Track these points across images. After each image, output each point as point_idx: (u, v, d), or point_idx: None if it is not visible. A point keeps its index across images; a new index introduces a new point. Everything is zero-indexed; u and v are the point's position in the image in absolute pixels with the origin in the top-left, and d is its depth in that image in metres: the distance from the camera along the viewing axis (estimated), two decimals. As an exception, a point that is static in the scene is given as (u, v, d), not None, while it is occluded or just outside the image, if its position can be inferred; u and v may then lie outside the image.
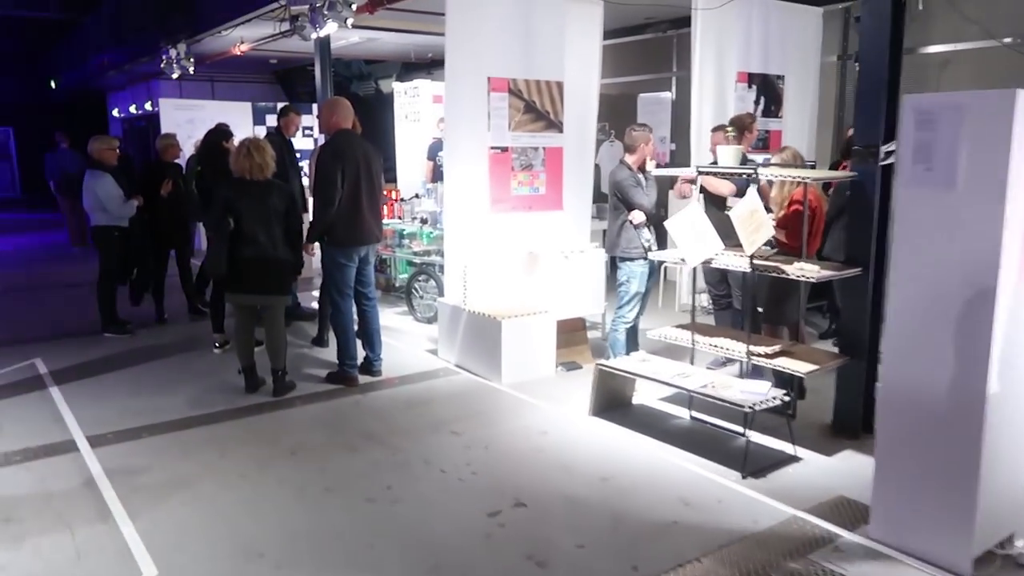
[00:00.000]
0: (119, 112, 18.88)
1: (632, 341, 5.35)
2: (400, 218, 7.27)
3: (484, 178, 6.07)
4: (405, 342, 6.53)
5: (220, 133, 6.48)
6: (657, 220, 5.19)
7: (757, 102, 7.61)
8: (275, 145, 6.54)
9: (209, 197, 5.50)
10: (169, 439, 4.48)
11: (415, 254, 7.08)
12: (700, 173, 4.66)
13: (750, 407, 3.92)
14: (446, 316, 5.92)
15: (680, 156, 9.91)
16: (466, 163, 5.96)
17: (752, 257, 4.13)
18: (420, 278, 6.93)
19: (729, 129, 5.29)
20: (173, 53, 10.76)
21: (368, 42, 11.06)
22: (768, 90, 7.66)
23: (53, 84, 20.98)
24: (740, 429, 4.36)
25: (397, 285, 7.74)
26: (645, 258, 5.11)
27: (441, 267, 6.79)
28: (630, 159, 5.16)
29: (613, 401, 4.78)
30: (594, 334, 6.33)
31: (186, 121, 12.69)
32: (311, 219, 5.17)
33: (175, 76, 11.09)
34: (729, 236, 4.29)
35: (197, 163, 6.82)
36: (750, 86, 7.52)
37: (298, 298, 7.06)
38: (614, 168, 5.19)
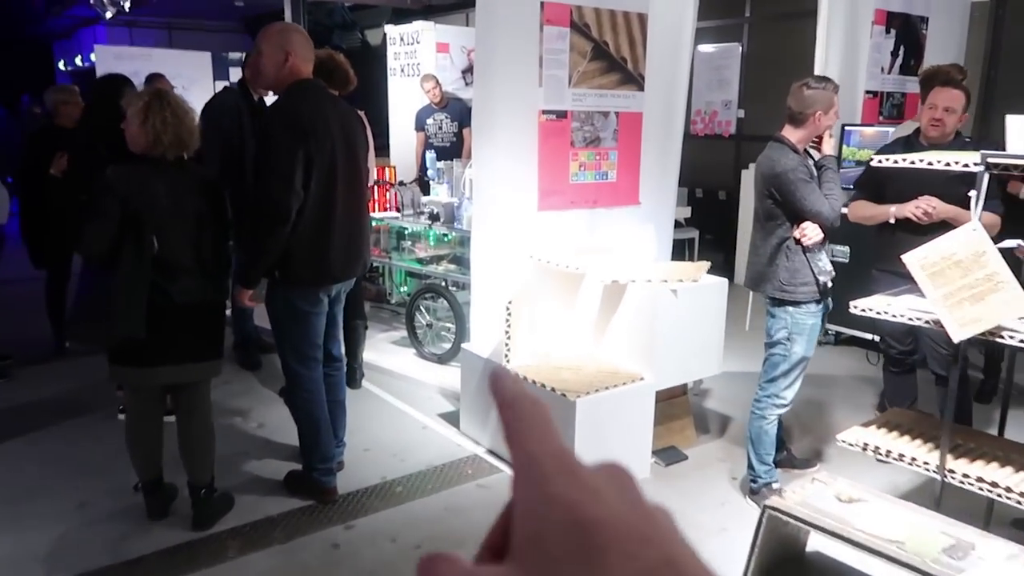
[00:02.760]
0: (65, 65, 16.43)
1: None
2: (398, 210, 5.16)
3: (530, 159, 4.00)
4: (407, 397, 4.47)
5: (111, 85, 4.26)
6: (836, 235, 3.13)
7: (895, 53, 5.53)
8: (230, 108, 4.44)
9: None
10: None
11: (419, 263, 4.97)
12: None
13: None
14: (473, 373, 3.87)
15: (752, 126, 7.81)
16: (502, 138, 3.88)
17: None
18: (427, 297, 4.86)
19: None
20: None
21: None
22: (909, 36, 5.58)
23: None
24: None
25: (392, 300, 5.62)
26: (819, 300, 3.07)
27: (459, 284, 4.71)
28: (795, 135, 3.08)
29: (778, 555, 2.77)
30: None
31: (130, 73, 10.41)
32: (249, 241, 2.99)
33: (108, 16, 8.80)
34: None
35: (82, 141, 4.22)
36: (888, 30, 5.43)
37: (253, 320, 4.92)
38: (769, 151, 3.10)
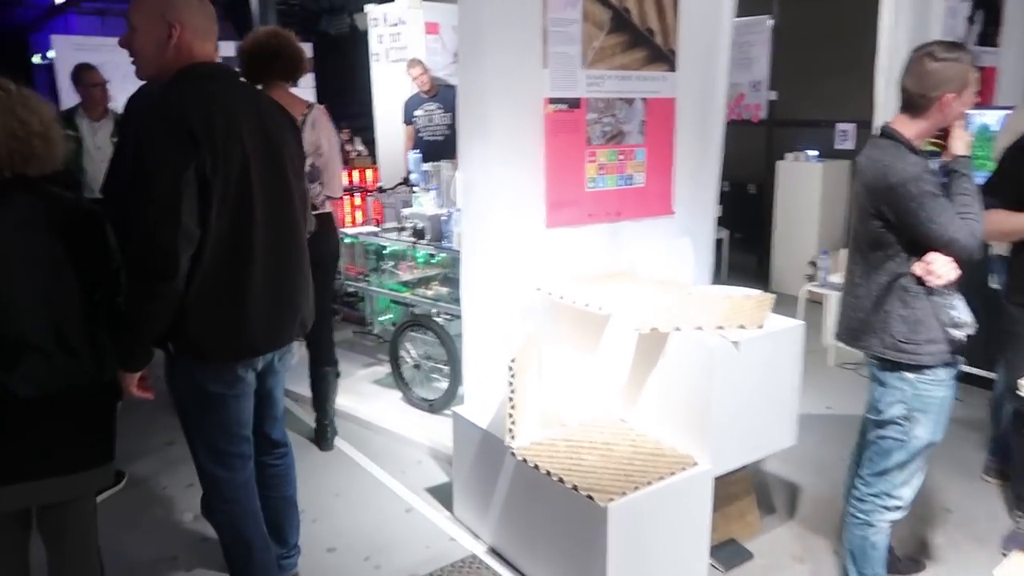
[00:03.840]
0: (41, 58, 15.51)
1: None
2: (378, 223, 4.26)
3: (535, 162, 3.11)
4: (389, 461, 3.59)
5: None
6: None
7: (972, 20, 4.59)
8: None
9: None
10: None
11: (404, 287, 4.07)
12: None
13: None
14: (468, 445, 2.98)
15: (787, 109, 6.87)
16: (497, 135, 2.99)
17: None
18: (413, 330, 3.97)
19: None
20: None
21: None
22: (988, 1, 4.64)
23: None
24: None
25: (375, 331, 4.72)
26: (953, 363, 2.18)
27: (451, 314, 3.81)
28: (912, 127, 2.16)
29: None
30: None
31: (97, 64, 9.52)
32: (128, 304, 1.96)
33: (58, 1, 7.88)
34: None
35: None
36: (966, -8, 4.49)
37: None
38: (875, 152, 2.18)
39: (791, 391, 2.73)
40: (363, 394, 4.21)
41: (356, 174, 5.22)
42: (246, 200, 1.99)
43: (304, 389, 3.73)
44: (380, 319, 4.41)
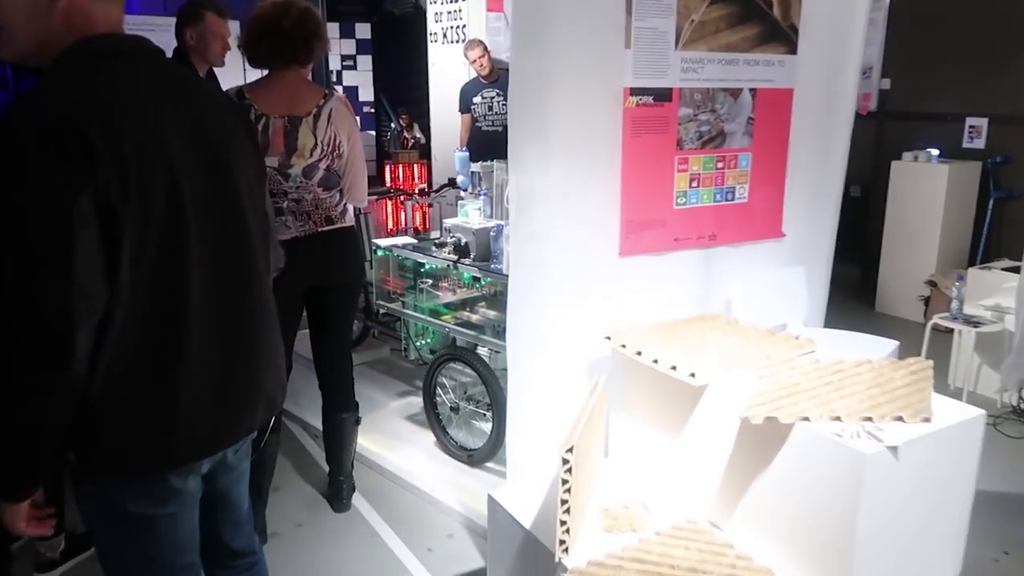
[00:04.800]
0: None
1: None
2: (420, 231, 3.59)
3: (609, 170, 2.38)
4: (413, 534, 2.93)
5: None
6: None
7: None
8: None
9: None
10: None
11: (446, 309, 3.40)
12: None
13: None
14: (508, 544, 2.28)
15: (903, 100, 5.92)
16: (559, 135, 2.29)
17: None
18: (451, 366, 3.30)
19: None
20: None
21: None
22: None
23: None
24: None
25: (410, 356, 4.03)
26: None
27: (494, 349, 3.11)
28: None
29: None
30: None
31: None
32: (2, 409, 1.25)
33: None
34: None
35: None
36: None
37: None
38: None
39: (962, 506, 1.95)
40: (392, 433, 3.57)
41: (400, 172, 4.56)
42: (177, 238, 1.33)
43: (320, 422, 3.11)
44: (417, 343, 3.75)
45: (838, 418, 1.79)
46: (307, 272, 2.64)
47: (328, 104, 2.61)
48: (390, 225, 4.54)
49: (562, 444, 1.81)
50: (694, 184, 2.55)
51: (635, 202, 2.44)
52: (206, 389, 1.41)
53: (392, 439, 3.50)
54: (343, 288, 2.77)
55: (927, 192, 5.39)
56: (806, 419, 1.79)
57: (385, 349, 4.46)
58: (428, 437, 3.45)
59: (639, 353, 2.18)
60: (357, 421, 2.97)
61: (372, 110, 9.26)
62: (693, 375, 2.01)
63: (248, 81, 2.61)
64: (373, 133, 9.29)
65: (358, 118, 9.92)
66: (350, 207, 2.75)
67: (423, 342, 3.75)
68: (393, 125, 9.27)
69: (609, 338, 2.29)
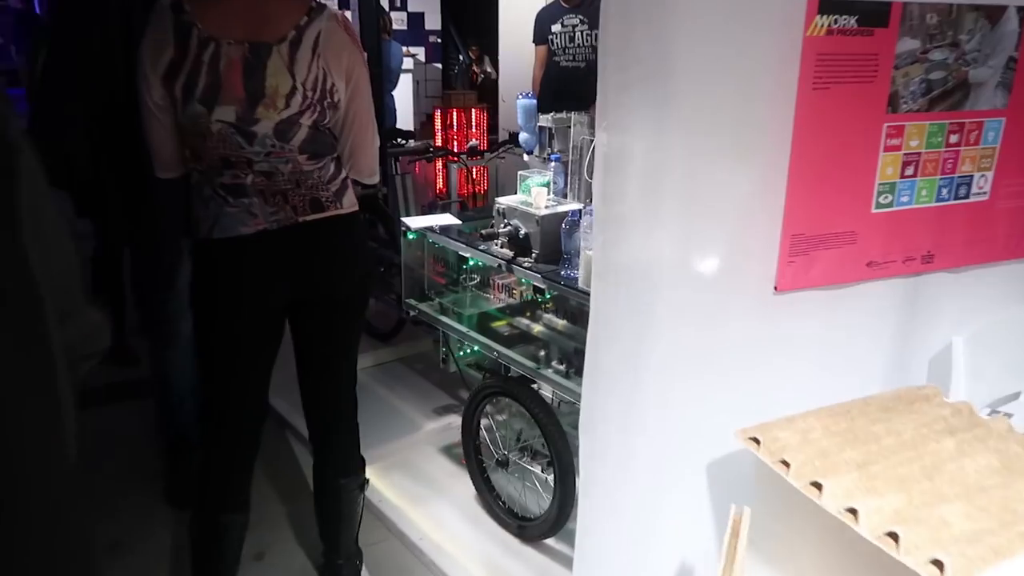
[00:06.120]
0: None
1: None
2: (469, 205, 2.59)
3: (770, 140, 1.37)
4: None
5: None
6: None
7: None
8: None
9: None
10: None
11: (501, 315, 2.42)
12: None
13: None
14: None
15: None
16: (688, 79, 1.27)
17: None
18: (496, 402, 2.37)
19: None
20: None
21: None
22: None
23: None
24: None
25: (450, 368, 2.97)
26: None
27: (559, 386, 2.13)
28: None
29: None
30: None
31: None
32: None
33: None
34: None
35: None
36: None
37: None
38: None
39: None
40: (420, 474, 2.68)
41: (454, 119, 3.55)
42: None
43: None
44: (460, 353, 2.80)
45: None
46: (281, 282, 1.75)
47: (314, 24, 1.65)
48: (440, 185, 3.59)
49: None
50: (909, 171, 1.51)
51: (810, 200, 1.43)
52: None
53: (419, 483, 2.62)
54: (339, 305, 1.86)
55: None
56: None
57: (427, 340, 3.55)
58: (469, 486, 2.56)
59: (816, 487, 1.21)
60: (362, 486, 2.09)
61: (439, 39, 8.24)
62: (939, 565, 1.04)
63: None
64: (440, 66, 8.29)
65: (421, 49, 8.84)
66: (350, 184, 1.82)
67: (467, 351, 2.80)
68: (462, 58, 8.25)
69: (757, 441, 1.32)
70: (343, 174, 1.80)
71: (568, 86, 4.29)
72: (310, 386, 1.94)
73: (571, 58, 4.49)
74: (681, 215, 1.37)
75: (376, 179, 1.92)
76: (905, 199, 1.52)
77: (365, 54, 1.83)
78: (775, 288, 1.45)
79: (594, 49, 4.37)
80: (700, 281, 1.42)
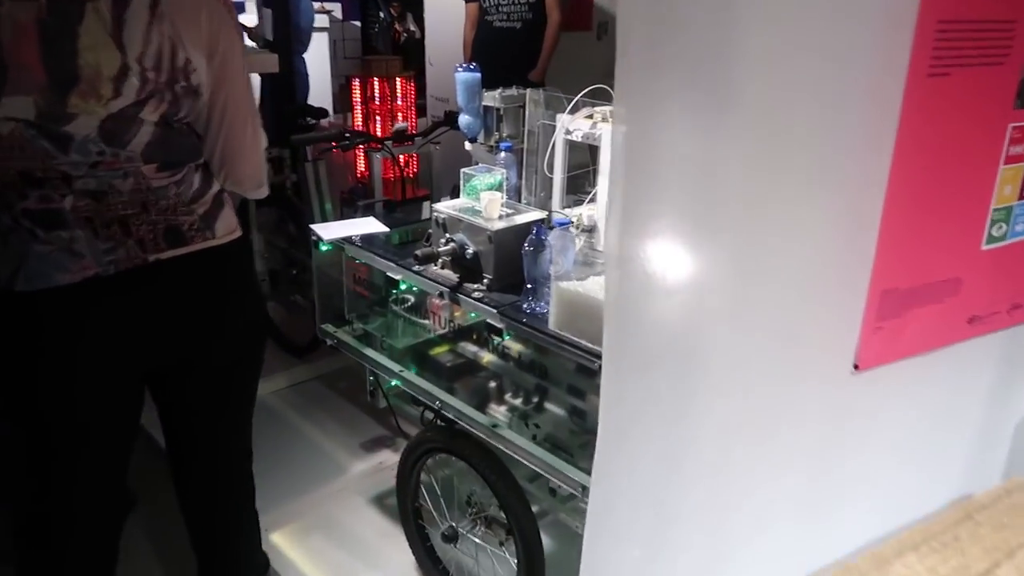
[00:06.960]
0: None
1: None
2: (397, 199, 2.05)
3: (865, 145, 0.89)
4: None
5: None
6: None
7: None
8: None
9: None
10: None
11: (439, 342, 1.89)
12: None
13: None
14: None
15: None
16: (754, 55, 0.78)
17: None
18: (437, 459, 1.86)
19: None
20: None
21: None
22: None
23: None
24: None
25: (378, 402, 2.37)
26: None
27: (530, 456, 1.63)
28: None
29: None
30: None
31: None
32: None
33: None
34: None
35: None
36: None
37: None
38: None
39: None
40: (346, 536, 2.17)
41: (376, 90, 2.96)
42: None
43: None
44: (390, 384, 2.23)
45: None
46: (126, 352, 1.20)
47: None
48: (361, 168, 3.03)
49: None
50: (1030, 189, 1.07)
51: (909, 240, 0.97)
52: None
53: (344, 549, 2.11)
54: (219, 373, 1.32)
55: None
56: None
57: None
58: (408, 552, 2.06)
59: None
60: (265, 567, 1.57)
61: (356, -6, 7.49)
62: None
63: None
64: (359, 24, 7.55)
65: (337, 5, 8.07)
66: (227, 201, 1.27)
67: (394, 383, 2.23)
68: (382, 14, 7.53)
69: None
70: (214, 188, 1.25)
71: (502, 49, 3.76)
72: (184, 480, 1.40)
73: (504, 17, 3.92)
74: (734, 266, 0.90)
75: (264, 192, 1.36)
76: (1021, 227, 1.08)
77: (241, 15, 1.27)
78: (857, 364, 1.00)
79: (531, 7, 3.85)
80: (755, 364, 0.95)
